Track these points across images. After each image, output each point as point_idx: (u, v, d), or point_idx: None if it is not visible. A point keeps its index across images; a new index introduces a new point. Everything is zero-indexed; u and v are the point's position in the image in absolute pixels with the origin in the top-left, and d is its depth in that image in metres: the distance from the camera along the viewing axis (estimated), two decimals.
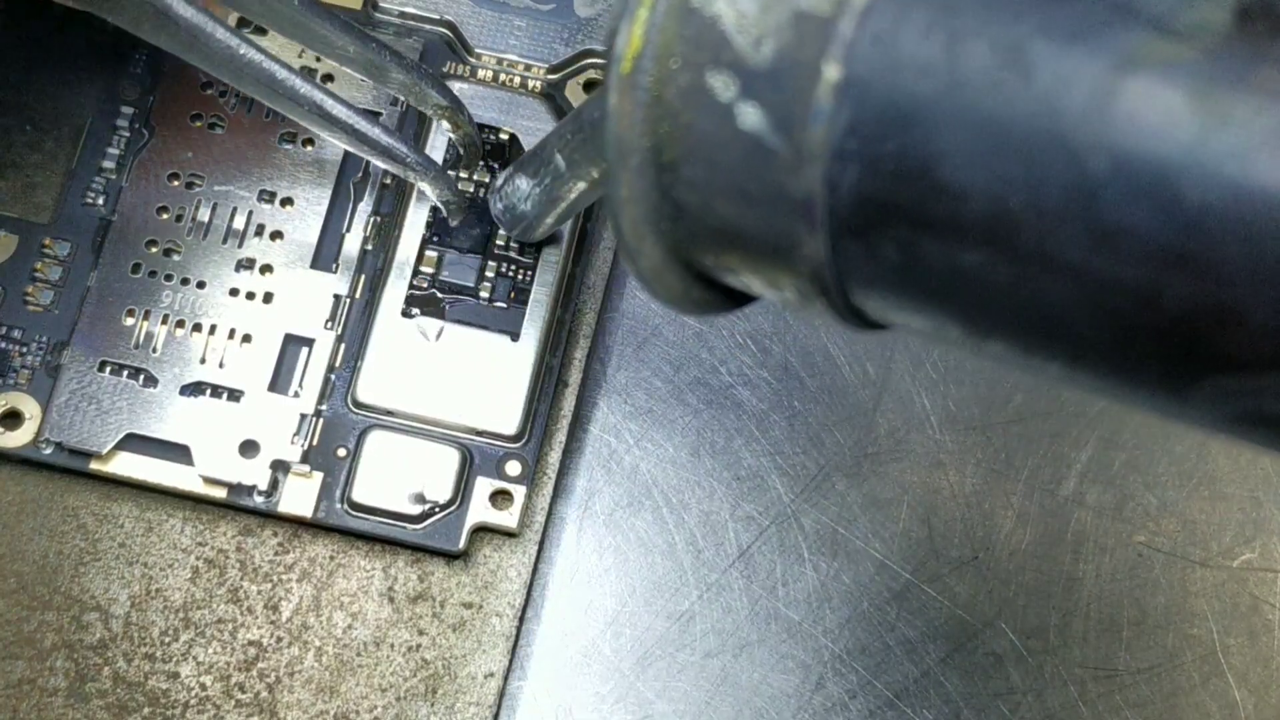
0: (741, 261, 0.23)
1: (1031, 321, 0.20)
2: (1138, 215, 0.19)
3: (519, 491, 0.36)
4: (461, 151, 0.37)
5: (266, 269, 0.37)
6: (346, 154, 0.38)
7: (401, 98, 0.36)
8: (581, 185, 0.33)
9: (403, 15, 0.39)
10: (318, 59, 0.38)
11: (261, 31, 0.38)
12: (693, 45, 0.22)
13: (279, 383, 0.36)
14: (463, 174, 0.38)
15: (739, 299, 0.26)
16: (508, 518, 0.36)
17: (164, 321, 0.36)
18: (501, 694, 0.35)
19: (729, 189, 0.22)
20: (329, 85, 0.36)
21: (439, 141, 0.38)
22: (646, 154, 0.23)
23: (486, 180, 0.38)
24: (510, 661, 0.35)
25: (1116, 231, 0.19)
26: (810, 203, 0.21)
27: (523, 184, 0.35)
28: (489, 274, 0.37)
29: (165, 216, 0.37)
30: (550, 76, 0.39)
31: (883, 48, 0.21)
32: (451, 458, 0.36)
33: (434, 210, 0.37)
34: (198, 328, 0.36)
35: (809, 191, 0.21)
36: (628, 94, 0.23)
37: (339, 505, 0.36)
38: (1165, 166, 0.18)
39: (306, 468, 0.36)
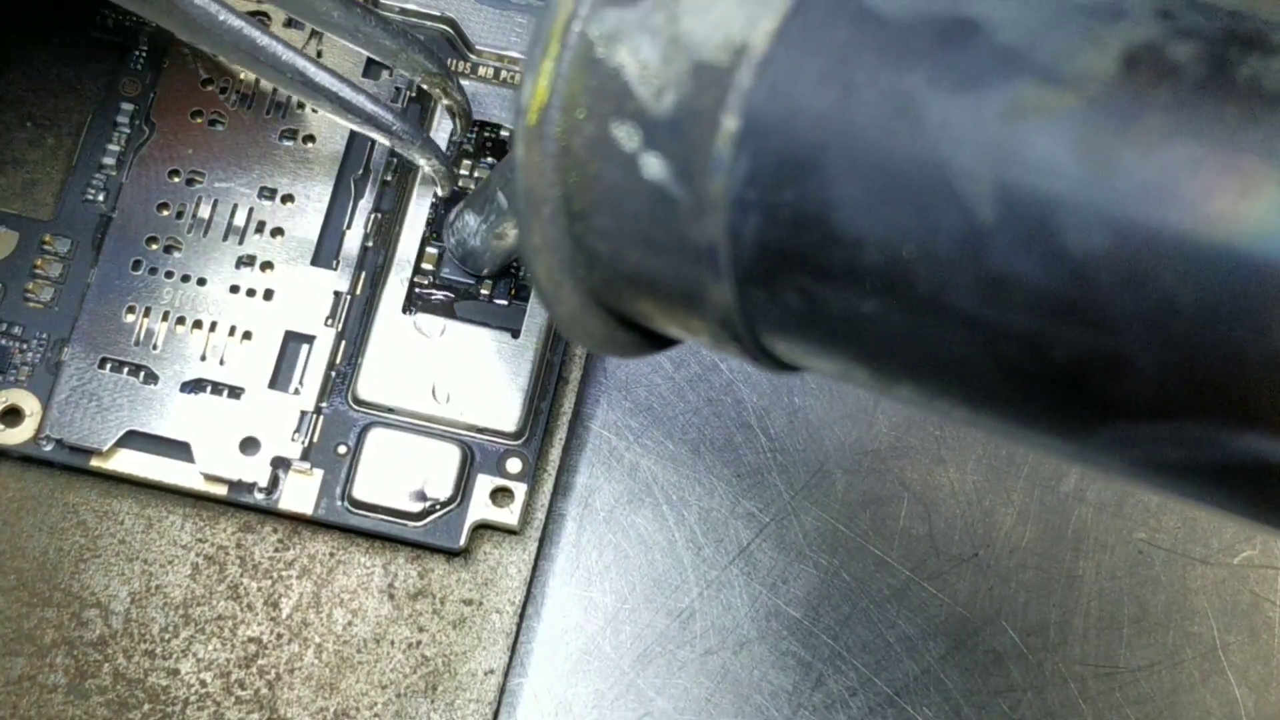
0: (655, 308, 0.24)
1: (932, 368, 0.21)
2: (1025, 264, 0.19)
3: (519, 489, 0.36)
4: (454, 121, 0.37)
5: (267, 266, 0.37)
6: (347, 151, 0.38)
7: (389, 64, 0.35)
8: None
9: (404, 12, 0.39)
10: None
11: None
12: (597, 96, 0.22)
13: (279, 380, 0.36)
14: (464, 159, 0.38)
15: (663, 341, 0.26)
16: (508, 515, 0.36)
17: (164, 318, 0.36)
18: (501, 691, 0.35)
19: (637, 238, 0.22)
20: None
21: (439, 138, 0.38)
22: (557, 203, 0.23)
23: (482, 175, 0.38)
24: (510, 658, 0.35)
25: (1005, 280, 0.19)
26: (714, 251, 0.21)
27: (470, 220, 0.35)
28: None
29: (166, 213, 0.37)
30: None
31: (780, 98, 0.21)
32: (452, 455, 0.36)
33: (434, 207, 0.37)
34: (198, 325, 0.36)
35: (712, 240, 0.21)
36: (535, 145, 0.23)
37: (339, 502, 0.36)
38: (1050, 214, 0.18)
39: (307, 465, 0.36)
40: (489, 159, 0.38)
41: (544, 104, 0.23)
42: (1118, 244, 0.18)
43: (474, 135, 0.38)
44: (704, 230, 0.21)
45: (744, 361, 0.23)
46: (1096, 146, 0.18)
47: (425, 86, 0.36)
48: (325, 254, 0.37)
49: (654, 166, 0.22)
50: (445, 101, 0.36)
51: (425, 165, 0.36)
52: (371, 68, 0.38)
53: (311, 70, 0.33)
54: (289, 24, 0.38)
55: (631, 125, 0.22)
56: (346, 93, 0.33)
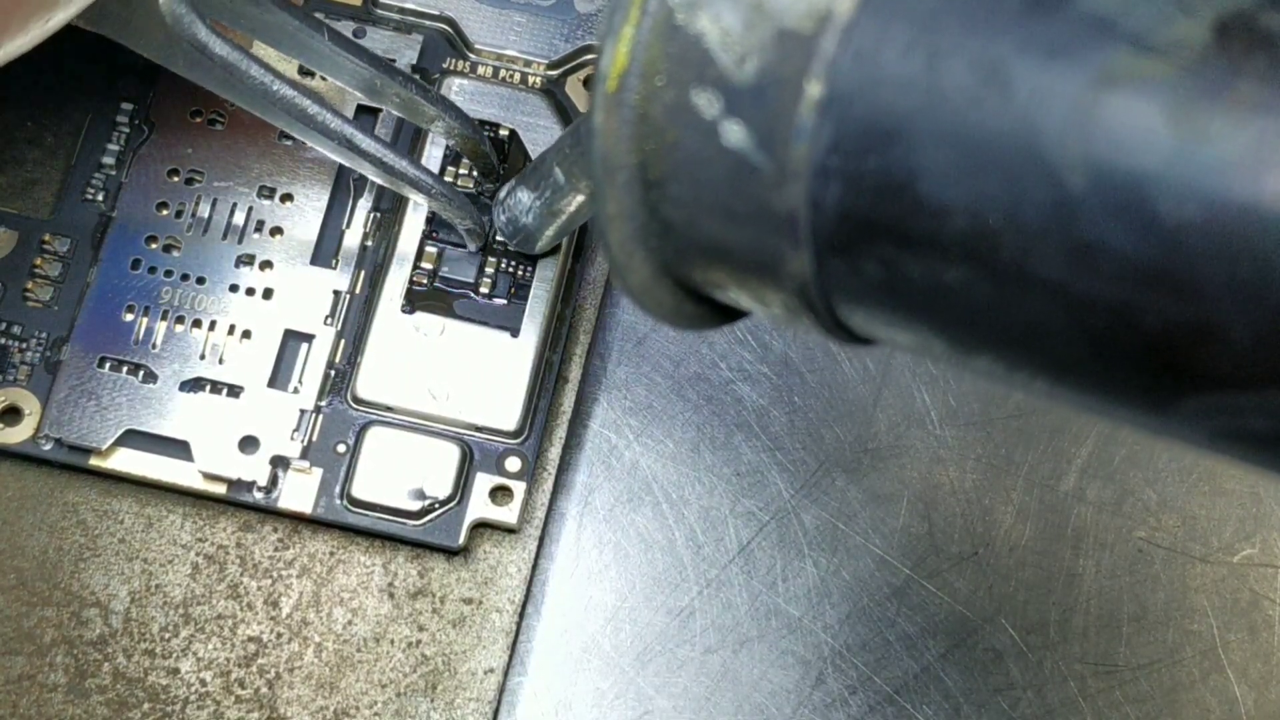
0: (729, 278, 0.24)
1: (1014, 339, 0.20)
2: (1115, 233, 0.19)
3: (519, 487, 0.36)
4: (473, 167, 0.37)
5: (266, 265, 0.37)
6: None
7: (399, 114, 0.36)
8: (580, 199, 0.33)
9: (402, 11, 0.39)
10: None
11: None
12: (677, 63, 0.22)
13: (279, 378, 0.36)
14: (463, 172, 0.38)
15: (730, 313, 0.26)
16: (507, 514, 0.36)
17: (164, 317, 0.36)
18: (501, 690, 0.35)
19: (714, 206, 0.22)
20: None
21: (434, 153, 0.38)
22: (633, 171, 0.23)
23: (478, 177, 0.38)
24: (510, 657, 0.35)
25: (1094, 249, 0.19)
26: (794, 219, 0.21)
27: (524, 197, 0.35)
28: (489, 270, 0.37)
29: (165, 212, 0.37)
30: (550, 72, 0.39)
31: (864, 65, 0.21)
32: (451, 453, 0.36)
33: None
34: (197, 324, 0.37)
35: (792, 208, 0.21)
36: (614, 112, 0.23)
37: (339, 501, 0.36)
38: (1142, 183, 0.18)
39: (306, 464, 0.36)
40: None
41: (623, 71, 0.22)
42: (1211, 213, 0.18)
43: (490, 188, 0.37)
44: (784, 198, 0.21)
45: (816, 334, 0.23)
46: (1189, 115, 0.18)
47: (459, 148, 0.36)
48: (324, 253, 0.37)
49: (734, 134, 0.22)
50: (475, 160, 0.37)
51: (460, 223, 0.36)
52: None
53: (359, 137, 0.34)
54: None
55: (712, 92, 0.22)
56: (390, 157, 0.34)
